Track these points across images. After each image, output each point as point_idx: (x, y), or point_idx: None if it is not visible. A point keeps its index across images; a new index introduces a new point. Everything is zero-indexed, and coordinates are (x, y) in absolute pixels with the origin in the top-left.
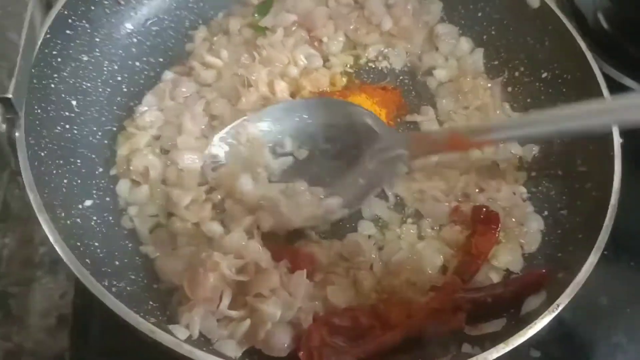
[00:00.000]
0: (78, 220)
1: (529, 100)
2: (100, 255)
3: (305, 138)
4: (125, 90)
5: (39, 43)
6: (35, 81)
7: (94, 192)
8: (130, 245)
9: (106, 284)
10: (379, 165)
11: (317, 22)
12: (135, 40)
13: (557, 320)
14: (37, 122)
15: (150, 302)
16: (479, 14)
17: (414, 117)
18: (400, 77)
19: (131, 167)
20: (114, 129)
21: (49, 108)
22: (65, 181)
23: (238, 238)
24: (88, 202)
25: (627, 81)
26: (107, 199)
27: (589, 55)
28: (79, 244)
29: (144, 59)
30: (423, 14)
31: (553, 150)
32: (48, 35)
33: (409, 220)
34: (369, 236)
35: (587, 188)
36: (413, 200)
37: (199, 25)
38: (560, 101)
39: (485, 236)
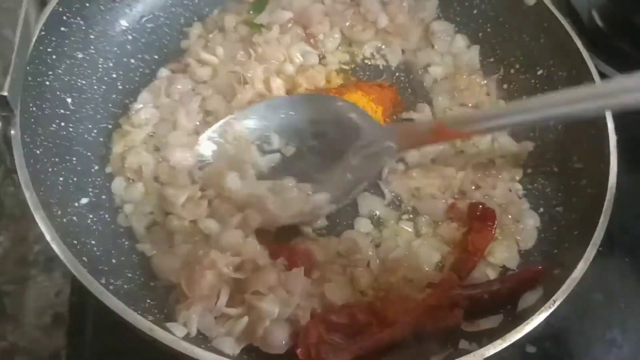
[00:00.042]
0: (74, 218)
1: (524, 97)
2: (97, 253)
3: (292, 134)
4: (120, 87)
5: (34, 40)
6: (30, 79)
7: (90, 190)
8: (126, 243)
9: (103, 282)
10: (366, 159)
11: (312, 19)
12: (130, 37)
13: (553, 316)
14: (33, 120)
15: (148, 300)
16: (475, 11)
17: (410, 114)
18: (396, 75)
19: (125, 165)
20: (110, 126)
21: (44, 106)
22: (61, 179)
23: (235, 236)
24: (84, 200)
25: None
26: (103, 196)
27: (584, 53)
28: (75, 242)
29: (139, 56)
30: (419, 11)
31: (548, 147)
32: (43, 33)
33: (406, 217)
34: (366, 233)
35: (582, 185)
36: (410, 197)
37: (194, 22)
38: None
39: (482, 233)
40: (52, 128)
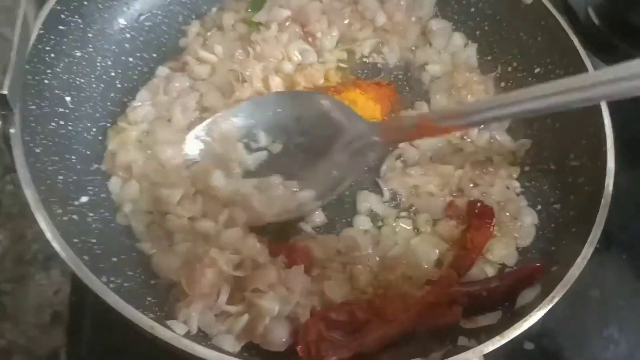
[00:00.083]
0: (74, 216)
1: None
2: (97, 251)
3: (279, 132)
4: (119, 86)
5: (33, 39)
6: (29, 77)
7: (90, 188)
8: (126, 241)
9: (104, 280)
10: (351, 155)
11: (310, 17)
12: (128, 35)
13: (550, 313)
14: (32, 119)
15: (149, 298)
16: (472, 10)
17: (408, 112)
18: (394, 73)
19: (116, 163)
20: (108, 125)
21: (43, 104)
22: (60, 178)
23: (235, 234)
24: (84, 199)
25: None
26: (103, 195)
27: (581, 51)
28: (76, 240)
29: (138, 54)
30: (416, 9)
31: (546, 145)
32: (41, 31)
33: (404, 215)
34: (365, 231)
35: (579, 182)
36: (408, 195)
37: (192, 21)
38: None
39: (480, 230)
40: (51, 126)
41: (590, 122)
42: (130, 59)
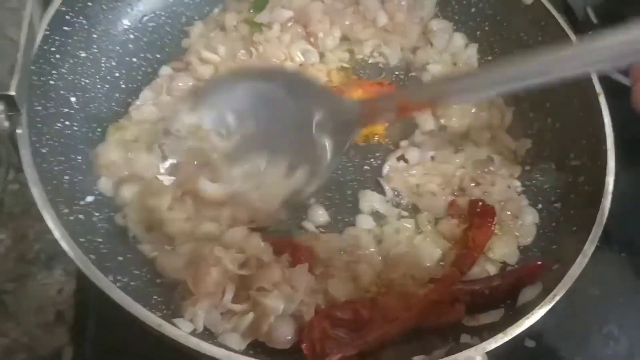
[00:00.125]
0: (80, 216)
1: (521, 94)
2: (104, 251)
3: (246, 112)
4: (123, 86)
5: (38, 40)
6: (34, 78)
7: (95, 188)
8: (132, 240)
9: (111, 279)
10: (332, 133)
11: (312, 18)
12: (132, 36)
13: (551, 311)
14: (38, 119)
15: (155, 297)
16: (473, 10)
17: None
18: (396, 73)
19: (99, 162)
20: None
21: (48, 105)
22: (66, 177)
23: (239, 233)
24: (89, 198)
25: (617, 76)
26: (108, 194)
27: None
28: (82, 239)
29: (141, 55)
30: (417, 9)
31: (546, 144)
32: (47, 32)
33: (407, 214)
34: (368, 230)
35: (580, 182)
36: (410, 194)
37: (195, 21)
38: (553, 94)
39: (482, 229)
40: (57, 127)
41: (591, 121)
42: (134, 60)
